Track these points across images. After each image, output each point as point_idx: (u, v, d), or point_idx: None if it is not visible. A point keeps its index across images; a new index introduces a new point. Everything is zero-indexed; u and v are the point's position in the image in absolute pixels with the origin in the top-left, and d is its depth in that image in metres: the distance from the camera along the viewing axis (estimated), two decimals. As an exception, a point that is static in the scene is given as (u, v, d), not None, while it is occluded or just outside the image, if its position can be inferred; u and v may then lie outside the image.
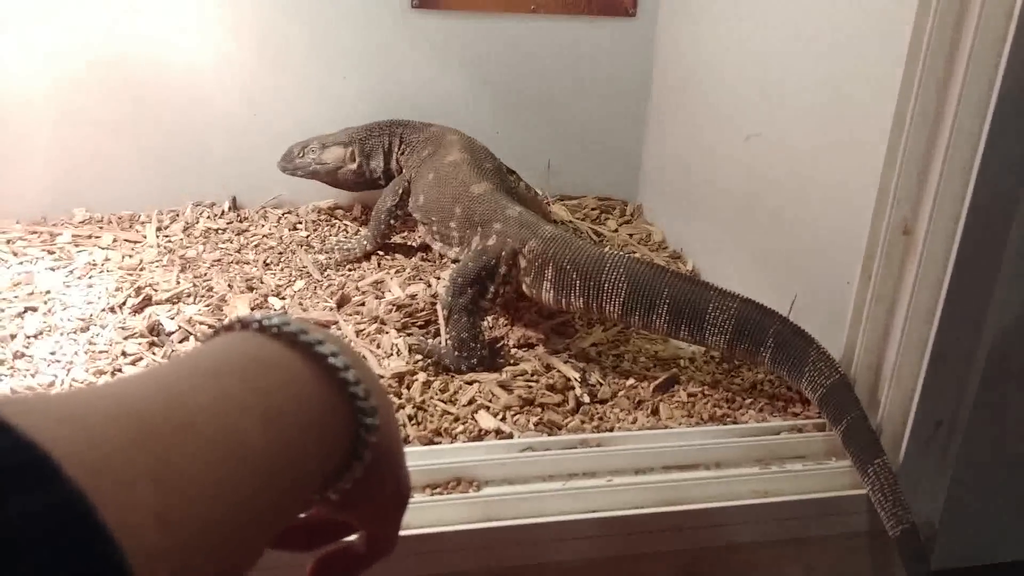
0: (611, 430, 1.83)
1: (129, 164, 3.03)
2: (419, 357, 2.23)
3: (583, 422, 1.87)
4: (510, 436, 1.79)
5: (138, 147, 3.01)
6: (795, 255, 2.23)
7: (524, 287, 2.31)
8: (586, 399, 1.97)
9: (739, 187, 2.52)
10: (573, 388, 2.01)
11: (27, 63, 2.81)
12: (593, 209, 3.30)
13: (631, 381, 2.09)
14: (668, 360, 2.27)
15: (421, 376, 2.17)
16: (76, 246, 2.83)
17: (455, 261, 2.61)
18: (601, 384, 2.06)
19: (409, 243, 2.98)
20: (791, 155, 2.24)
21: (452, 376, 2.16)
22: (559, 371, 2.12)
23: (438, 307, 2.50)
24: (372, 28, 3.03)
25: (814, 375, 1.82)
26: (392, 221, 2.86)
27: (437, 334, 2.40)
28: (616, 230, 3.17)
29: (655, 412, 1.92)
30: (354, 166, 2.93)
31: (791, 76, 2.23)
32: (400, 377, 2.17)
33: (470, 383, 2.10)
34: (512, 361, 2.24)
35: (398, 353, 2.30)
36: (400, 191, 2.82)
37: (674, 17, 3.01)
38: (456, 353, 2.20)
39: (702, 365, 2.18)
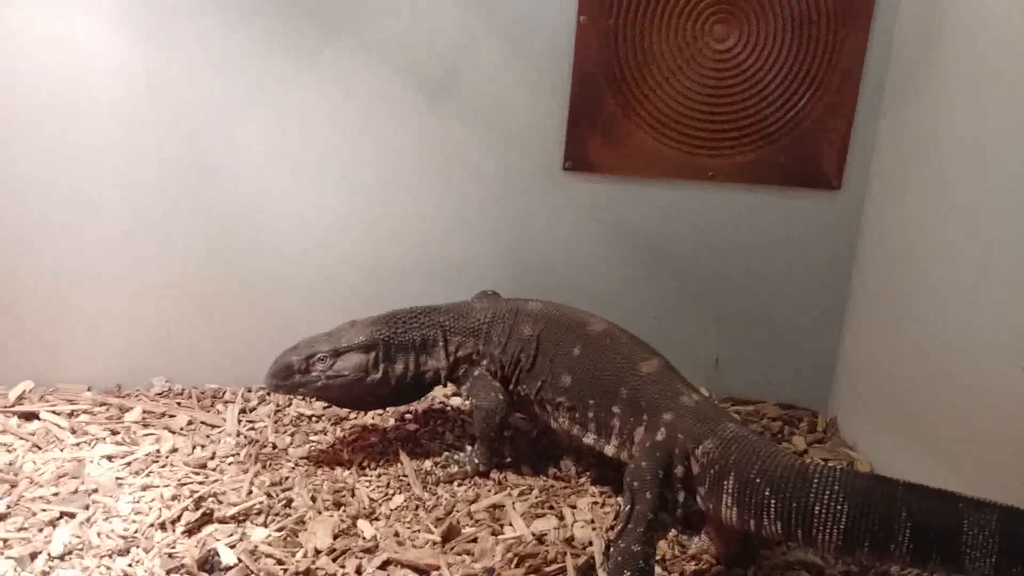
0: None
1: (219, 333, 2.59)
2: None
3: None
4: None
5: (230, 315, 2.58)
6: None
7: (699, 500, 1.78)
8: None
9: (1010, 428, 1.81)
10: None
11: (115, 215, 2.45)
12: (774, 420, 2.63)
13: None
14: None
15: None
16: (144, 427, 2.36)
17: (614, 459, 2.06)
18: None
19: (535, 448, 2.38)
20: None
21: None
22: None
23: (568, 562, 1.87)
24: (516, 192, 2.55)
25: None
26: (505, 434, 2.29)
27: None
28: (806, 451, 2.47)
29: None
30: (378, 375, 2.22)
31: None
32: None
33: None
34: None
35: (519, 638, 1.67)
36: (502, 397, 2.21)
37: (891, 192, 2.40)
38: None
39: None
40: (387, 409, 2.52)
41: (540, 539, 1.96)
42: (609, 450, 2.07)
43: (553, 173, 2.53)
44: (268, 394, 2.57)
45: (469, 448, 2.31)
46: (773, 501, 1.63)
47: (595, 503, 2.14)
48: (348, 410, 2.48)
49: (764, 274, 2.62)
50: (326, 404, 2.49)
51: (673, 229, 2.58)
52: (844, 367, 2.64)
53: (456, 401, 2.65)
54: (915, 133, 2.27)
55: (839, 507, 1.56)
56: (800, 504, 1.60)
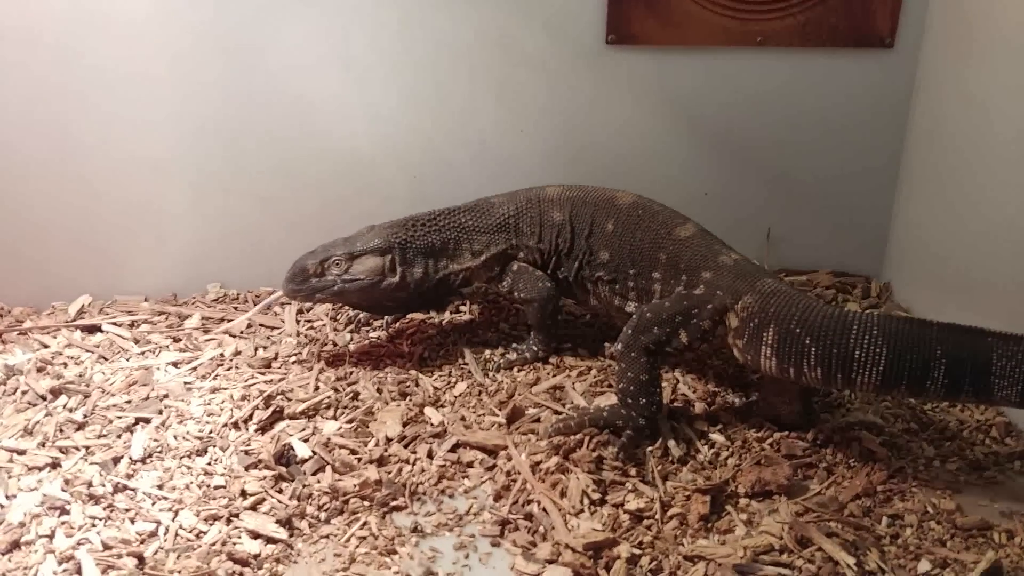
0: None
1: (270, 237, 2.58)
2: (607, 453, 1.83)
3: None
4: None
5: (282, 217, 2.57)
6: None
7: (736, 352, 1.87)
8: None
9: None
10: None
11: (164, 121, 2.42)
12: (827, 288, 2.60)
13: (926, 566, 1.53)
14: (973, 530, 1.66)
15: (624, 549, 1.59)
16: (205, 332, 2.40)
17: None
18: (884, 573, 1.49)
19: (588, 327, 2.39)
20: None
21: (665, 548, 1.61)
22: (822, 549, 1.55)
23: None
24: (559, 71, 2.47)
25: None
26: (559, 317, 2.31)
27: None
28: (861, 318, 2.46)
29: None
30: (395, 278, 2.18)
31: None
32: (596, 549, 1.59)
33: (692, 560, 1.56)
34: (747, 518, 1.69)
35: (591, 507, 1.70)
36: (549, 284, 2.21)
37: (947, 48, 2.29)
38: (628, 401, 1.86)
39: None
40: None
41: (603, 416, 1.99)
42: None
43: (596, 48, 2.44)
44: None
45: (528, 338, 2.31)
46: (813, 349, 1.69)
47: (654, 380, 2.16)
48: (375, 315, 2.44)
49: (815, 141, 2.54)
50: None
51: (722, 99, 2.50)
52: (897, 231, 2.59)
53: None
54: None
55: (878, 350, 1.62)
56: (840, 350, 1.65)
